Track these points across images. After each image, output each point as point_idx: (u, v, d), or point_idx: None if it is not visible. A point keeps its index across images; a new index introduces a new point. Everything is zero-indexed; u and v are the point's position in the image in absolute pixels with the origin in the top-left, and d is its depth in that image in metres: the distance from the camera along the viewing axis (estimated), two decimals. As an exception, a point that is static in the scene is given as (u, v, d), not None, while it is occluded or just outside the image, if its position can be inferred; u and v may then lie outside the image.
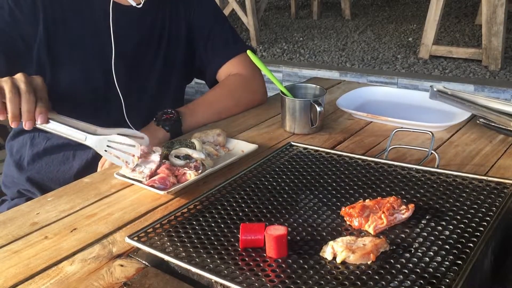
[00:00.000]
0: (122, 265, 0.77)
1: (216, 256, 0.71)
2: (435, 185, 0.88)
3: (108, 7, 1.27)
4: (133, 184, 1.00)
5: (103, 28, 1.28)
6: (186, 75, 1.50)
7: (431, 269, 0.65)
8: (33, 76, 1.02)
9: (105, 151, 0.98)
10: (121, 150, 0.98)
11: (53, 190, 1.03)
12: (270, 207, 0.84)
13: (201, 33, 1.43)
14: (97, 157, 1.28)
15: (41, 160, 1.34)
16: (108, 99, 1.32)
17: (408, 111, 1.35)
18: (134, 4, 1.30)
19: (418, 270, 0.65)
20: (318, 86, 1.31)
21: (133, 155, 0.98)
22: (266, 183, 0.93)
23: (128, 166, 0.98)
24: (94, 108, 1.32)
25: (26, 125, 0.97)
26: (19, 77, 0.99)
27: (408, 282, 0.63)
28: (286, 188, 0.91)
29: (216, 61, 1.45)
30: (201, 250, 0.72)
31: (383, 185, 0.89)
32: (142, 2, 1.30)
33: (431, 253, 0.69)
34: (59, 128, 1.00)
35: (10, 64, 1.19)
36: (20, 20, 1.20)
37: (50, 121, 0.99)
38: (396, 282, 0.63)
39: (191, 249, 0.73)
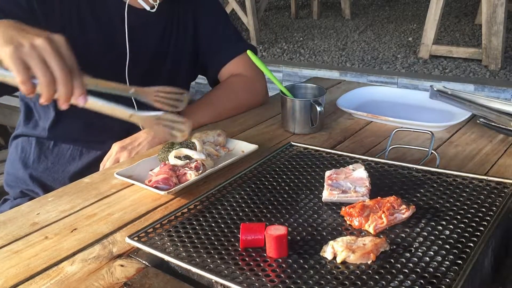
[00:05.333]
0: (122, 265, 0.77)
1: (216, 256, 0.71)
2: (435, 185, 0.88)
3: (123, 12, 1.25)
4: (133, 184, 1.00)
5: (118, 33, 1.26)
6: (191, 73, 1.50)
7: (431, 269, 0.65)
8: (55, 38, 0.84)
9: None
10: (170, 126, 0.93)
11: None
12: (270, 207, 0.84)
13: (205, 32, 1.43)
14: (94, 162, 1.27)
15: (47, 159, 1.34)
16: (120, 103, 1.30)
17: (408, 111, 1.35)
18: (148, 8, 1.28)
19: (418, 269, 0.65)
20: (318, 86, 1.31)
21: (183, 131, 0.94)
22: (266, 183, 0.93)
23: (177, 140, 0.95)
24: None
25: (62, 107, 0.86)
26: (44, 48, 0.81)
27: (408, 281, 0.63)
28: (286, 188, 0.91)
29: (218, 60, 1.45)
30: (202, 250, 0.72)
31: (383, 185, 0.89)
32: (156, 7, 1.29)
33: (431, 252, 0.69)
34: (98, 105, 0.90)
35: None
36: (38, 18, 1.16)
37: (88, 97, 0.88)
38: (396, 282, 0.63)
39: (192, 249, 0.73)
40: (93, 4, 1.25)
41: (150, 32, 1.34)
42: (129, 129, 1.29)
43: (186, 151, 1.05)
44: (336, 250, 0.69)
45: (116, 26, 1.27)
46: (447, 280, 0.63)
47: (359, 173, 0.89)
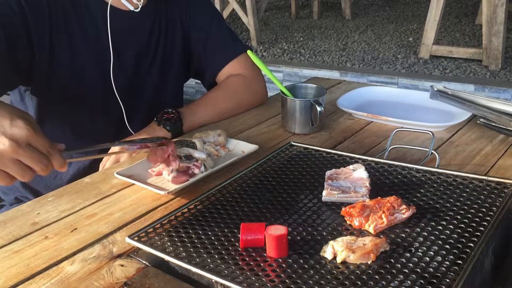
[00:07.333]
0: (122, 265, 0.77)
1: (216, 256, 0.71)
2: (435, 185, 0.88)
3: (106, 13, 1.24)
4: (133, 184, 1.00)
5: (102, 35, 1.25)
6: (183, 75, 1.48)
7: (431, 269, 0.65)
8: (20, 136, 0.78)
9: None
10: None
11: None
12: (270, 207, 0.84)
13: (199, 34, 1.41)
14: (93, 162, 1.27)
15: None
16: (107, 106, 1.30)
17: (408, 111, 1.35)
18: (132, 8, 1.27)
19: (418, 270, 0.65)
20: (319, 86, 1.31)
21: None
22: (266, 183, 0.93)
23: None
24: (94, 115, 1.30)
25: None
26: (13, 151, 0.77)
27: (408, 282, 0.63)
28: (286, 188, 0.91)
29: (216, 63, 1.44)
30: (202, 250, 0.72)
31: (383, 185, 0.89)
32: (140, 7, 1.28)
33: (432, 253, 0.69)
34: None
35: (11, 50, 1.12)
36: (28, 22, 1.15)
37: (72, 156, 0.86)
38: (397, 282, 0.63)
39: (192, 249, 0.73)
40: (76, 6, 1.24)
41: (135, 33, 1.32)
42: (117, 133, 1.28)
43: (186, 151, 1.05)
44: (336, 250, 0.69)
45: (100, 28, 1.25)
46: (447, 280, 0.63)
47: (359, 173, 0.89)
